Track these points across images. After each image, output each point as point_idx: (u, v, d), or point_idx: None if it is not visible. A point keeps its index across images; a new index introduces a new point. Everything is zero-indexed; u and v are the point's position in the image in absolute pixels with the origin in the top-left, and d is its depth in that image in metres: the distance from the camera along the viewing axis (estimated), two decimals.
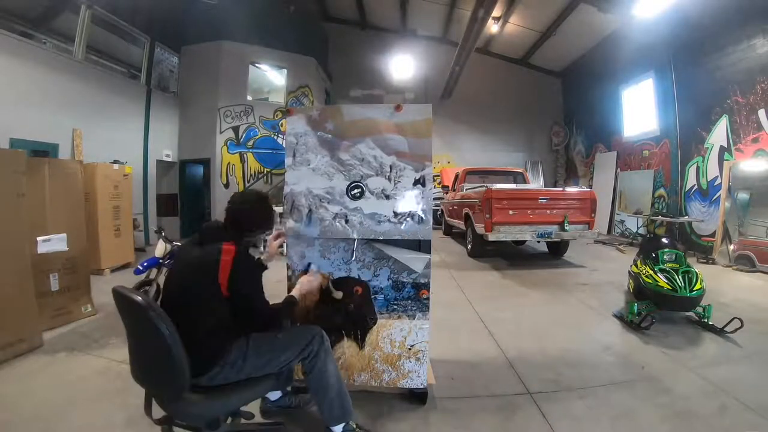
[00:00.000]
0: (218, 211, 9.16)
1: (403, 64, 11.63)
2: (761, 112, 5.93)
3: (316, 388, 1.82)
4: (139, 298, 1.41)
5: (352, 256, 2.19)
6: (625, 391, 2.38)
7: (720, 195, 6.47)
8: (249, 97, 9.67)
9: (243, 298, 1.65)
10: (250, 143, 9.54)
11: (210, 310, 1.60)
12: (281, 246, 2.25)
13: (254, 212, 1.84)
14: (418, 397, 2.25)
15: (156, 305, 1.42)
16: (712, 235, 6.53)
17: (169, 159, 9.27)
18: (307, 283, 1.99)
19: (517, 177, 8.47)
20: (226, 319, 1.63)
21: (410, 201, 2.18)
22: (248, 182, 9.47)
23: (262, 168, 9.66)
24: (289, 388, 2.14)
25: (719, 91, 6.63)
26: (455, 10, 10.60)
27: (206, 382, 1.55)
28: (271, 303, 1.76)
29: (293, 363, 1.77)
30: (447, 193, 9.15)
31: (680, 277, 3.35)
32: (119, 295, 1.49)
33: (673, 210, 7.66)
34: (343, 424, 1.83)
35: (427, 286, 2.19)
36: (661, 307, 3.43)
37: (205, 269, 1.60)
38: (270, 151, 9.63)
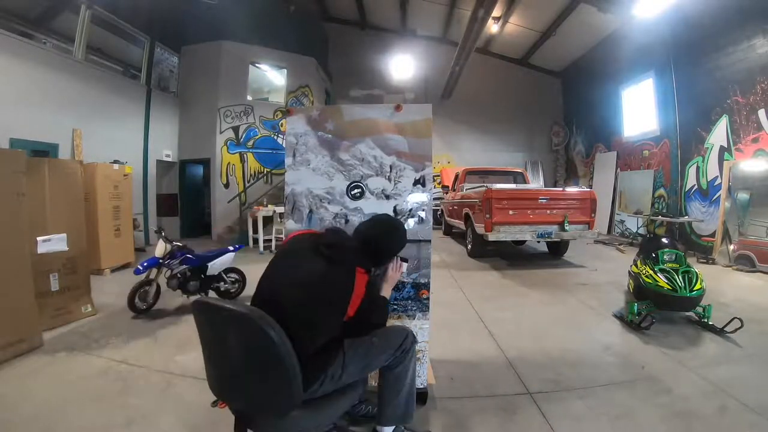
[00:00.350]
0: (218, 211, 9.17)
1: (403, 64, 11.62)
2: (761, 112, 5.93)
3: (392, 387, 1.76)
4: (244, 309, 1.30)
5: None
6: (625, 391, 2.38)
7: (720, 195, 6.47)
8: (249, 97, 9.66)
9: (363, 320, 1.62)
10: (250, 143, 9.54)
11: (327, 329, 1.53)
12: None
13: (392, 245, 1.77)
14: (418, 397, 2.24)
15: (268, 316, 1.29)
16: (712, 235, 6.54)
17: (169, 159, 9.27)
18: (393, 280, 1.89)
19: (517, 177, 8.47)
20: (335, 337, 1.57)
21: (410, 201, 2.18)
22: (248, 182, 9.47)
23: (262, 168, 9.66)
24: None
25: (719, 91, 6.63)
26: (455, 10, 10.60)
27: (306, 397, 1.45)
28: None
29: (387, 363, 1.73)
30: (447, 193, 9.16)
31: (680, 277, 3.35)
32: (205, 306, 1.39)
33: (673, 210, 7.66)
34: (394, 427, 1.79)
35: (427, 286, 2.19)
36: (661, 307, 3.43)
37: (339, 294, 1.51)
38: (270, 151, 9.62)
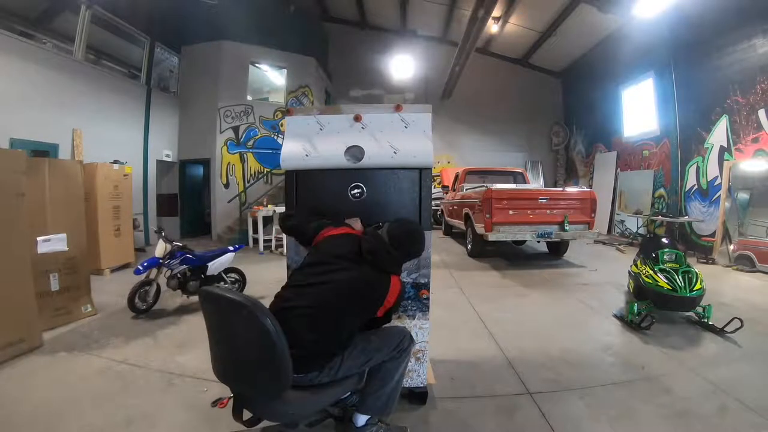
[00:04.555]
0: (218, 211, 9.17)
1: (403, 64, 11.62)
2: (761, 112, 5.93)
3: (379, 378, 1.78)
4: (241, 298, 1.40)
5: None
6: (625, 391, 2.38)
7: (720, 195, 6.47)
8: (249, 97, 9.67)
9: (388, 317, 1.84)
10: (250, 143, 9.54)
11: (353, 325, 1.68)
12: None
13: (418, 249, 1.89)
14: (418, 397, 2.25)
15: (262, 305, 1.39)
16: (712, 235, 6.54)
17: (169, 159, 9.27)
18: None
19: (517, 177, 8.47)
20: (353, 334, 1.69)
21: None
22: (248, 182, 9.47)
23: (262, 168, 9.67)
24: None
25: (719, 91, 6.63)
26: (455, 10, 10.60)
27: (299, 383, 1.53)
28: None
29: (385, 361, 1.77)
30: (447, 193, 9.15)
31: (680, 277, 3.35)
32: (209, 295, 1.50)
33: (673, 210, 7.65)
34: (368, 417, 1.82)
35: (427, 286, 2.18)
36: (661, 307, 3.43)
37: (375, 298, 1.69)
38: (270, 151, 9.62)
